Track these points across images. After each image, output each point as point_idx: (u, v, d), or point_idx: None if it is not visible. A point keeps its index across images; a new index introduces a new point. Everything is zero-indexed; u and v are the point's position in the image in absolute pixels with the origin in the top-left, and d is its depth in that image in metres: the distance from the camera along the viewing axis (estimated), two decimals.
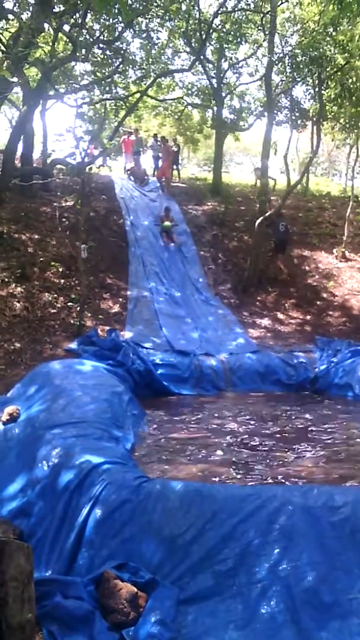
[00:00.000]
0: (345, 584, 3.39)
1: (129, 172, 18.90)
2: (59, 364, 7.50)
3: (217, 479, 5.15)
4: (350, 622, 3.27)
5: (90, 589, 3.34)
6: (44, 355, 8.98)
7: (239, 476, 5.26)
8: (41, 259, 11.94)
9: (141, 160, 20.14)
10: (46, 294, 10.95)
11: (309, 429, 7.07)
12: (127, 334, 10.38)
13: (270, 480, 5.15)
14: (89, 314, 10.85)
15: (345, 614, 3.29)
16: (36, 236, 12.78)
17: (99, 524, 3.85)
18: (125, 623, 3.20)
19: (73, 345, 9.46)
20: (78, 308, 10.48)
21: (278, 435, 6.76)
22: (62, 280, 11.59)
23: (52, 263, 11.86)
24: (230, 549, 3.57)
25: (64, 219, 13.64)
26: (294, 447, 6.21)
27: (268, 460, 5.77)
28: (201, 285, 13.26)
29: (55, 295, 11.00)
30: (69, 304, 10.84)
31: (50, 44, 15.45)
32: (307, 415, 7.74)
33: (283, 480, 5.12)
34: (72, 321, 10.35)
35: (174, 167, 20.33)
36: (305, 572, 3.42)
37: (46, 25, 14.49)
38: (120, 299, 11.87)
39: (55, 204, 14.09)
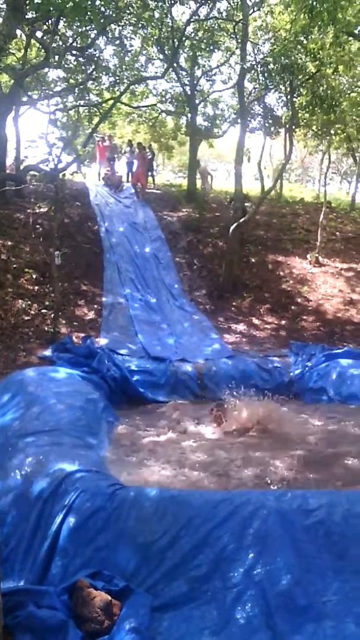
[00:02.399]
0: (319, 587, 3.40)
1: (104, 178, 18.87)
2: (33, 372, 7.43)
3: (192, 485, 5.13)
4: (325, 625, 3.29)
5: (64, 598, 3.31)
6: (18, 363, 8.88)
7: (213, 482, 5.26)
8: (14, 265, 11.83)
9: (116, 166, 20.16)
10: (20, 300, 10.85)
11: (284, 432, 7.10)
12: (102, 341, 10.32)
13: (245, 485, 5.15)
14: (64, 321, 10.78)
15: (320, 617, 3.31)
16: (9, 243, 12.67)
17: (73, 533, 3.81)
18: (100, 632, 3.17)
19: (47, 352, 9.37)
20: (52, 315, 10.40)
21: (253, 440, 6.78)
22: (36, 287, 11.50)
23: (26, 270, 11.77)
24: (204, 554, 3.57)
25: (37, 226, 13.56)
26: (268, 451, 6.23)
27: (243, 465, 5.78)
28: (176, 291, 13.27)
29: (29, 302, 10.90)
30: (43, 310, 10.76)
31: (23, 50, 15.40)
32: (283, 419, 7.76)
33: (258, 485, 5.13)
34: (46, 328, 10.26)
35: (149, 173, 20.38)
36: (279, 576, 3.43)
37: (18, 32, 14.45)
38: (95, 306, 11.82)
39: (28, 210, 14.00)
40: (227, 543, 3.58)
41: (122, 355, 9.65)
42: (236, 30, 16.83)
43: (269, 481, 5.25)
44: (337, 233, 17.32)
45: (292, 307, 13.15)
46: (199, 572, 3.50)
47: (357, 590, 3.39)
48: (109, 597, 3.29)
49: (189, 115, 20.38)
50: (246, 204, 15.08)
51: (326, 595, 3.37)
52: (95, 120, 19.27)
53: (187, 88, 19.75)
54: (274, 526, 3.62)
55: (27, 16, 12.06)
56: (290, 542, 3.56)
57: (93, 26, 15.18)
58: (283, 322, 12.58)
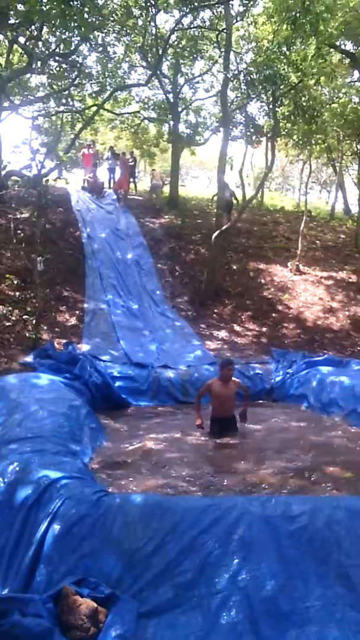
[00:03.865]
0: (302, 592, 3.44)
1: (86, 184, 18.86)
2: (15, 378, 7.40)
3: (176, 491, 5.15)
4: (309, 630, 3.31)
5: (49, 606, 3.29)
6: None
7: (198, 488, 5.28)
8: None
9: (97, 172, 20.16)
10: (1, 306, 10.79)
11: (266, 439, 7.15)
12: (84, 347, 10.31)
13: (231, 492, 5.18)
14: (45, 327, 10.75)
15: (303, 622, 3.34)
16: None
17: (58, 540, 3.79)
18: (86, 639, 3.16)
19: (29, 358, 9.33)
20: (34, 321, 10.36)
21: (235, 446, 6.81)
22: (17, 293, 11.45)
23: (7, 275, 11.71)
24: (190, 560, 3.58)
25: (19, 231, 13.50)
26: (251, 457, 6.27)
27: (226, 471, 5.81)
28: (158, 298, 13.31)
29: (10, 308, 10.85)
30: (25, 317, 10.71)
31: (5, 55, 15.36)
32: (264, 426, 7.82)
33: (242, 491, 5.16)
34: (27, 334, 10.22)
35: (131, 180, 20.42)
36: (264, 582, 3.45)
37: (1, 37, 14.43)
38: (77, 312, 11.81)
39: (10, 215, 13.93)
40: (212, 549, 3.60)
41: (104, 361, 9.67)
42: (219, 40, 17.01)
43: (253, 488, 5.28)
44: (317, 242, 17.55)
45: (273, 315, 13.27)
46: (184, 578, 3.51)
47: (339, 595, 3.43)
48: (95, 604, 3.28)
49: (172, 122, 20.50)
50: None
51: (309, 601, 3.40)
52: (78, 126, 19.27)
53: (170, 96, 19.87)
54: (259, 532, 3.65)
55: (10, 21, 12.04)
56: (275, 548, 3.59)
57: (76, 33, 15.21)
58: (264, 329, 12.69)
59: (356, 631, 3.34)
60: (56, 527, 3.87)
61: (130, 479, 5.51)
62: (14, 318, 10.67)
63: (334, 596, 3.46)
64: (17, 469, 4.61)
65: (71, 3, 7.50)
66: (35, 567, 3.72)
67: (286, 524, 3.71)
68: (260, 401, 9.56)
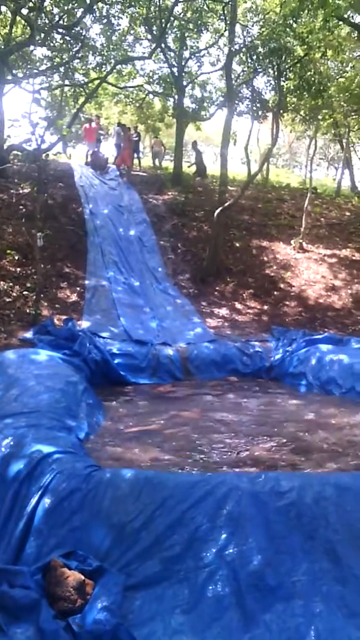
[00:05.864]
0: (289, 567, 3.46)
1: (89, 160, 18.70)
2: (13, 354, 7.41)
3: (169, 466, 5.18)
4: (294, 604, 3.35)
5: (37, 578, 3.33)
6: None
7: (190, 464, 5.31)
8: None
9: (102, 147, 19.97)
10: (1, 282, 10.80)
11: (262, 416, 7.18)
12: (84, 324, 10.31)
13: (222, 467, 5.22)
14: (46, 303, 10.75)
15: (289, 596, 3.37)
16: None
17: (48, 513, 3.83)
18: (72, 610, 3.20)
19: (28, 334, 9.35)
20: (34, 297, 10.36)
21: (232, 424, 6.84)
22: (18, 269, 11.44)
23: (8, 251, 11.69)
24: (178, 534, 3.61)
25: (20, 207, 13.44)
26: (246, 434, 6.30)
27: (221, 448, 5.84)
28: (160, 275, 13.27)
29: (11, 284, 10.85)
30: (25, 292, 10.71)
31: (8, 27, 15.14)
32: (261, 404, 7.85)
33: (233, 467, 5.20)
34: (27, 310, 10.22)
35: (135, 155, 20.23)
36: (251, 556, 3.48)
37: (3, 8, 14.20)
38: (78, 288, 11.79)
39: (12, 190, 13.85)
40: (200, 524, 3.63)
41: (104, 338, 9.67)
42: (225, 12, 16.67)
43: (245, 464, 5.31)
44: (322, 219, 17.39)
45: (275, 293, 13.22)
46: (172, 552, 3.55)
47: (325, 570, 3.46)
48: (82, 577, 3.32)
49: (176, 97, 20.21)
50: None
51: (296, 575, 3.43)
52: (81, 100, 19.04)
53: (175, 69, 19.58)
54: (247, 507, 3.67)
55: None
56: (262, 523, 3.62)
57: (79, 4, 14.96)
58: (265, 307, 12.65)
59: (341, 605, 3.38)
60: (47, 500, 3.91)
61: (125, 454, 5.54)
62: (14, 294, 10.67)
63: (321, 571, 3.49)
64: (12, 443, 4.64)
65: None
66: (26, 540, 3.76)
67: (275, 500, 3.73)
68: (259, 379, 9.59)
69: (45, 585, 3.31)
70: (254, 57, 14.85)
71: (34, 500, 3.92)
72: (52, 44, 17.25)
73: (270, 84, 16.62)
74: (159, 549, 3.58)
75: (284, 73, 14.59)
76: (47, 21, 16.01)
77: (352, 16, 15.84)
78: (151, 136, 23.75)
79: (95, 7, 15.95)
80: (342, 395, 8.22)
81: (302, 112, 18.39)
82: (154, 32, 18.32)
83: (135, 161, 20.42)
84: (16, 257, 11.66)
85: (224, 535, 3.58)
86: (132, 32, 19.67)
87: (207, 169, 20.10)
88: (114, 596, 3.23)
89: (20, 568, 3.43)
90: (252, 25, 17.81)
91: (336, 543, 3.57)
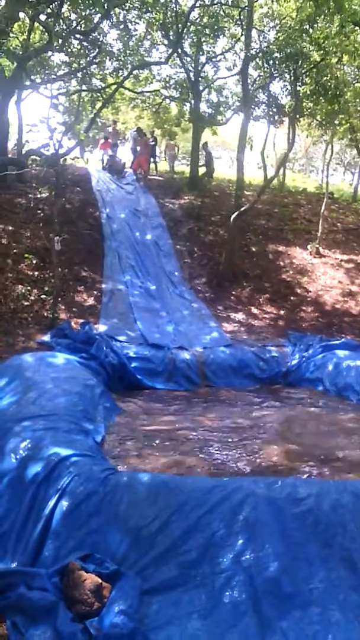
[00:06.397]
0: (306, 574, 3.46)
1: (106, 164, 18.80)
2: (31, 357, 7.46)
3: (185, 471, 5.19)
4: (311, 612, 3.34)
5: (55, 580, 3.36)
6: (16, 348, 8.92)
7: (207, 469, 5.31)
8: (15, 250, 11.85)
9: (119, 152, 20.08)
10: (19, 286, 10.88)
11: (279, 422, 7.15)
12: (101, 327, 10.36)
13: (238, 473, 5.21)
14: (63, 307, 10.82)
15: (306, 604, 3.36)
16: (10, 227, 12.68)
17: (66, 516, 3.86)
18: (90, 613, 3.22)
19: (46, 338, 9.42)
20: (52, 301, 10.43)
21: (248, 429, 6.83)
22: (36, 273, 11.53)
23: (26, 255, 11.78)
24: (195, 539, 3.61)
25: (38, 211, 13.55)
26: (263, 440, 6.28)
27: (238, 454, 5.83)
28: (176, 279, 13.29)
29: (29, 288, 10.94)
30: (43, 296, 10.79)
31: (26, 33, 15.30)
32: (278, 409, 7.83)
33: (250, 473, 5.19)
34: (45, 314, 10.30)
35: (152, 160, 20.30)
36: (267, 563, 3.48)
37: (22, 14, 14.35)
38: (95, 292, 11.84)
39: (30, 195, 13.98)
40: (217, 529, 3.63)
41: (120, 341, 9.71)
42: (241, 17, 16.69)
43: (262, 470, 5.30)
44: (339, 224, 17.31)
45: (292, 298, 13.18)
46: (188, 557, 3.55)
47: (343, 578, 3.45)
48: (100, 580, 3.35)
49: (193, 101, 20.25)
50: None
51: (313, 583, 3.43)
52: (98, 105, 19.16)
53: (191, 74, 19.61)
54: (264, 513, 3.67)
55: None
56: (279, 530, 3.61)
57: (97, 10, 15.07)
58: (282, 312, 12.61)
59: (359, 614, 3.36)
60: (64, 503, 3.94)
61: (141, 458, 5.56)
62: (32, 297, 10.75)
63: (338, 579, 3.48)
64: (29, 446, 4.68)
65: None
66: (43, 542, 3.80)
67: (291, 506, 3.72)
68: (276, 385, 9.56)
69: (63, 588, 3.33)
70: (270, 62, 14.83)
71: (51, 503, 3.95)
72: (69, 50, 17.41)
73: (287, 88, 16.59)
74: (175, 553, 3.59)
75: (300, 78, 14.56)
76: (64, 27, 16.17)
77: None
78: (167, 140, 23.73)
79: (112, 12, 16.08)
80: (359, 402, 8.17)
81: (318, 117, 18.30)
82: (171, 37, 18.40)
83: (152, 166, 20.48)
84: (34, 261, 11.76)
85: (240, 541, 3.58)
86: (148, 37, 19.77)
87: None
88: (131, 600, 3.25)
89: (38, 570, 3.46)
90: (269, 31, 17.80)
91: (353, 551, 3.56)
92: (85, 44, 17.48)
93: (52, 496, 4.01)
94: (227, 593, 3.39)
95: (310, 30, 13.29)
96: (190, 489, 3.89)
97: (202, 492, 3.83)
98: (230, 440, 6.36)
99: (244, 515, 3.67)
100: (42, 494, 4.10)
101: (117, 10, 16.48)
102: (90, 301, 11.51)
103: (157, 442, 6.16)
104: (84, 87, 19.51)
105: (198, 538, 3.61)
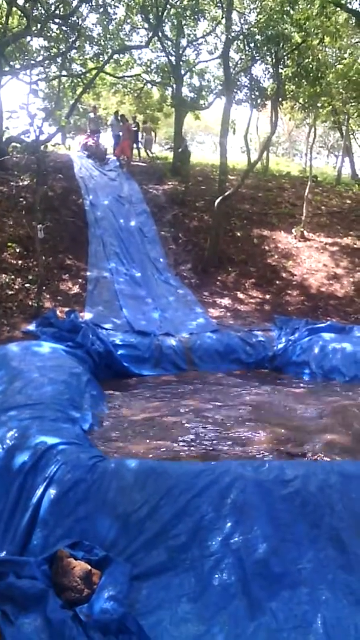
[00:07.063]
0: (294, 555, 3.48)
1: (87, 149, 18.53)
2: (16, 346, 7.41)
3: (174, 456, 5.19)
4: (300, 592, 3.37)
5: (44, 568, 3.36)
6: (1, 338, 8.87)
7: (195, 453, 5.31)
8: None
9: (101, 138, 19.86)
10: (3, 275, 10.79)
11: (266, 406, 7.17)
12: (86, 315, 10.32)
13: (227, 457, 5.22)
14: (48, 296, 10.74)
15: (295, 584, 3.39)
16: None
17: (54, 504, 3.85)
18: (79, 600, 3.22)
19: (31, 327, 9.36)
20: (36, 289, 10.36)
21: (235, 413, 6.84)
22: (20, 262, 11.42)
23: (9, 244, 11.67)
24: (184, 524, 3.63)
25: (20, 199, 13.39)
26: (250, 423, 6.30)
27: (225, 437, 5.84)
28: (161, 266, 13.24)
29: (13, 277, 10.84)
30: (27, 285, 10.70)
31: (4, 18, 15.03)
32: (265, 393, 7.85)
33: (238, 457, 5.19)
34: (30, 303, 10.23)
35: (135, 145, 20.13)
36: (256, 544, 3.50)
37: None
38: (80, 280, 11.77)
39: (11, 183, 13.80)
40: (205, 512, 3.64)
41: (106, 329, 9.68)
42: None
43: (250, 453, 5.31)
44: (323, 207, 17.32)
45: (277, 282, 13.19)
46: (177, 541, 3.57)
47: (331, 557, 3.48)
48: (89, 567, 3.34)
49: (175, 86, 20.07)
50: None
51: (301, 563, 3.45)
52: (79, 90, 18.92)
53: (173, 58, 19.44)
54: (252, 496, 3.68)
55: None
56: (267, 512, 3.63)
57: None
58: (267, 296, 12.63)
59: (347, 592, 3.39)
60: (52, 491, 3.93)
61: (129, 444, 5.55)
62: (16, 286, 10.66)
63: (326, 558, 3.51)
64: (16, 435, 4.66)
65: None
66: (32, 531, 3.79)
67: (279, 488, 3.74)
68: (262, 368, 9.60)
69: (52, 575, 3.33)
70: (252, 45, 14.74)
71: (39, 492, 3.94)
72: (48, 35, 17.14)
73: (269, 71, 16.47)
74: (164, 538, 3.60)
75: (282, 60, 14.47)
76: (42, 11, 15.88)
77: (350, 2, 15.70)
78: (141, 123, 23.19)
79: None
80: (345, 383, 8.22)
81: (300, 100, 18.21)
82: (151, 21, 18.18)
83: (135, 151, 20.31)
84: (17, 250, 11.64)
85: (229, 524, 3.59)
86: (128, 21, 19.50)
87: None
88: (120, 585, 3.25)
89: (27, 559, 3.46)
90: (249, 13, 17.66)
91: (341, 530, 3.59)
92: (64, 28, 17.22)
93: (40, 485, 4.00)
94: (217, 576, 3.41)
95: (292, 12, 13.18)
96: (179, 474, 3.90)
97: (190, 476, 3.84)
98: (217, 424, 6.37)
99: (232, 498, 3.69)
100: (30, 483, 4.08)
101: None
102: (75, 289, 11.43)
103: (145, 428, 6.15)
104: (64, 73, 19.23)
105: (187, 522, 3.62)
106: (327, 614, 3.25)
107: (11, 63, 16.48)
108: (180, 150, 18.57)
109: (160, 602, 3.31)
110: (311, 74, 14.03)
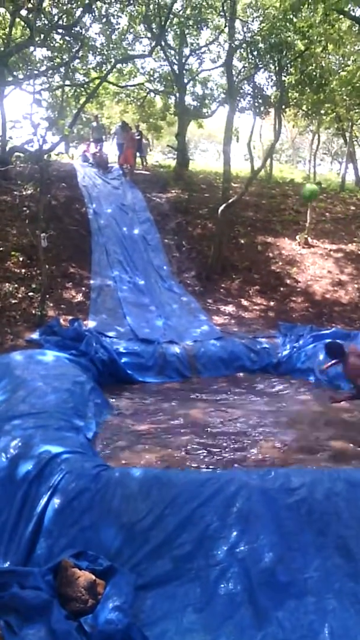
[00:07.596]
0: (301, 564, 3.45)
1: (91, 159, 18.63)
2: (20, 355, 7.41)
3: (178, 465, 5.16)
4: (306, 601, 3.34)
5: (48, 579, 3.33)
6: (5, 347, 8.85)
7: (199, 462, 5.29)
8: (1, 248, 11.74)
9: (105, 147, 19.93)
10: (7, 284, 10.79)
11: (270, 413, 7.14)
12: (90, 323, 10.30)
13: (231, 465, 5.19)
14: (51, 304, 10.74)
15: (301, 593, 3.36)
16: None
17: (58, 514, 3.83)
18: (84, 611, 3.19)
19: (35, 335, 9.34)
20: (40, 298, 10.35)
21: (240, 421, 6.81)
22: (23, 270, 11.43)
23: (13, 253, 11.68)
24: (188, 533, 3.60)
25: (24, 208, 13.42)
26: (255, 431, 6.27)
27: (230, 446, 5.81)
28: (165, 273, 13.23)
29: (16, 286, 10.84)
30: (30, 294, 10.70)
31: (7, 29, 15.13)
32: (269, 401, 7.81)
33: (243, 465, 5.17)
34: (33, 311, 10.22)
35: (138, 154, 20.17)
36: (262, 553, 3.47)
37: (2, 10, 14.20)
38: (83, 288, 11.77)
39: (15, 192, 13.85)
40: (210, 521, 3.62)
41: (110, 337, 9.65)
42: (225, 8, 16.60)
43: (255, 461, 5.28)
44: (327, 214, 17.30)
45: (281, 289, 13.16)
46: (183, 550, 3.54)
47: (338, 566, 3.44)
48: (93, 577, 3.32)
49: (178, 94, 20.13)
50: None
51: (307, 572, 3.42)
52: (82, 100, 19.00)
53: (176, 67, 19.50)
54: (257, 504, 3.66)
55: None
56: (273, 520, 3.60)
57: (78, 3, 14.94)
58: (272, 303, 12.60)
59: (355, 602, 3.36)
60: (56, 501, 3.91)
61: (133, 453, 5.53)
62: (20, 295, 10.66)
63: (333, 567, 3.47)
64: (20, 444, 4.64)
65: None
66: (36, 541, 3.76)
67: (285, 496, 3.71)
68: (267, 375, 9.55)
69: (56, 585, 3.30)
70: (255, 53, 14.77)
71: (43, 501, 3.92)
72: (52, 45, 17.22)
73: (272, 79, 16.57)
74: (169, 547, 3.57)
75: (285, 68, 14.51)
76: (46, 22, 15.98)
77: (353, 9, 15.74)
78: (156, 140, 23.31)
79: (94, 6, 15.91)
80: (350, 390, 8.15)
81: (304, 107, 18.27)
82: (154, 30, 18.27)
83: (138, 160, 20.35)
84: (21, 259, 11.66)
85: (234, 533, 3.57)
86: (131, 30, 19.59)
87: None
88: (125, 596, 3.22)
89: (31, 569, 3.43)
90: (252, 21, 17.73)
91: (348, 539, 3.55)
92: (67, 38, 17.30)
93: (44, 494, 3.98)
94: (222, 585, 3.38)
95: (295, 20, 13.22)
96: (183, 482, 3.87)
97: (195, 485, 3.81)
98: (221, 432, 6.35)
99: (238, 506, 3.66)
100: (34, 492, 4.06)
101: (98, 3, 16.29)
102: (79, 297, 11.43)
103: (149, 436, 6.13)
104: (67, 82, 19.32)
105: (192, 531, 3.59)
106: (334, 624, 3.21)
107: (14, 73, 16.55)
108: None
109: (165, 612, 3.27)
110: (314, 81, 14.06)
